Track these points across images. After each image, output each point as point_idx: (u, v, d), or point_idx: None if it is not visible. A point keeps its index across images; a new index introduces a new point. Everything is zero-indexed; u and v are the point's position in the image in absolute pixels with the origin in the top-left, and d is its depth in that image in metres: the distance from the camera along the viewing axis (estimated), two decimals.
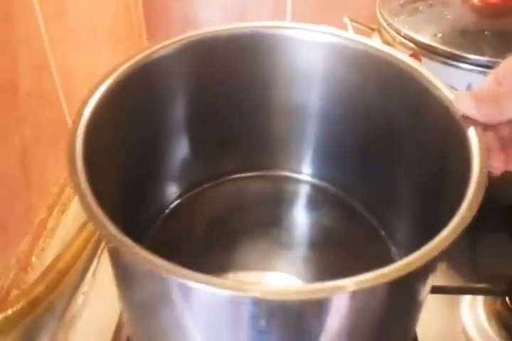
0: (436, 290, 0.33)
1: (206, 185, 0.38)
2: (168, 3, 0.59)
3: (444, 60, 0.37)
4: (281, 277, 0.33)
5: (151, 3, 0.59)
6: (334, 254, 0.34)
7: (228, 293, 0.19)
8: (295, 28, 0.33)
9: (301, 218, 0.37)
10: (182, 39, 0.32)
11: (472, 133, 0.25)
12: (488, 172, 0.24)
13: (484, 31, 0.38)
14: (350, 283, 0.19)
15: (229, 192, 0.38)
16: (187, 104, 0.34)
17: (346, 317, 0.22)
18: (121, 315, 0.35)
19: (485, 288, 0.35)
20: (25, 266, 0.36)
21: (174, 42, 0.31)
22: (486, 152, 0.25)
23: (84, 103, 0.27)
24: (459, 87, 0.37)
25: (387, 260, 0.33)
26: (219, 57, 0.33)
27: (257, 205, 0.37)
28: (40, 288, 0.33)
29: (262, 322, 0.21)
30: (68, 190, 0.42)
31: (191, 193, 0.38)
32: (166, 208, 0.37)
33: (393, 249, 0.34)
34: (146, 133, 0.33)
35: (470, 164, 0.24)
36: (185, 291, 0.21)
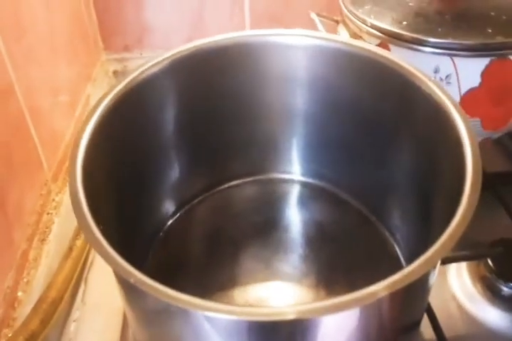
0: None
1: (199, 199, 0.39)
2: (122, 11, 0.56)
3: (411, 45, 0.38)
4: (285, 286, 0.34)
5: (105, 13, 0.56)
6: (333, 249, 0.36)
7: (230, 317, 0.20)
8: (274, 35, 0.33)
9: (297, 218, 0.39)
10: (161, 60, 0.31)
11: (460, 124, 0.27)
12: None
13: (445, 15, 0.39)
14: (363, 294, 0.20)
15: (223, 202, 0.39)
16: (176, 122, 0.34)
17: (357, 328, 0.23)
18: (123, 332, 0.34)
19: (467, 254, 0.39)
20: (12, 303, 0.34)
21: (155, 63, 0.31)
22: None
23: (80, 133, 0.27)
24: (427, 70, 0.39)
25: (383, 248, 0.36)
26: (202, 72, 0.33)
27: (252, 211, 0.38)
28: (35, 323, 0.32)
29: None
30: (45, 218, 0.40)
31: (185, 209, 0.38)
32: (162, 228, 0.37)
33: (389, 237, 0.36)
34: (136, 158, 0.33)
35: (462, 152, 0.26)
36: (195, 320, 0.22)
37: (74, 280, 0.37)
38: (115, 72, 0.60)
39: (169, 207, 0.38)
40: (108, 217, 0.27)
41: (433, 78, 0.37)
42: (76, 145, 0.26)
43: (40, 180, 0.41)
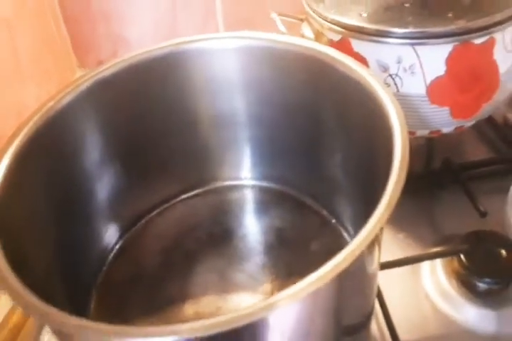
0: (392, 264, 0.35)
1: (150, 216, 0.38)
2: (93, 26, 0.55)
3: (373, 38, 0.37)
4: (242, 296, 0.33)
5: (76, 29, 0.55)
6: (292, 253, 0.35)
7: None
8: (205, 39, 0.32)
9: (254, 225, 0.38)
10: (90, 77, 0.30)
11: (393, 115, 0.26)
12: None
13: (404, 4, 0.37)
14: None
15: (175, 216, 0.38)
16: (104, 145, 0.33)
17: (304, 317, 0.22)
18: None
19: (440, 251, 0.38)
20: None
21: (73, 88, 0.30)
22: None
23: None
24: (390, 61, 0.37)
25: (342, 245, 0.35)
26: (133, 86, 0.32)
27: (207, 222, 0.37)
28: None
29: None
30: None
31: (136, 227, 0.37)
32: (112, 250, 0.36)
33: (345, 235, 0.35)
34: (70, 180, 0.31)
35: (393, 142, 0.25)
36: None
37: None
38: None
39: (117, 227, 0.36)
40: (37, 249, 0.26)
41: (390, 68, 0.36)
42: None
43: None
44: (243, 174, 0.39)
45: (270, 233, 0.37)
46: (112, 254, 0.36)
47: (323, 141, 0.33)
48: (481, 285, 0.35)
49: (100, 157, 0.33)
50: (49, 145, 0.29)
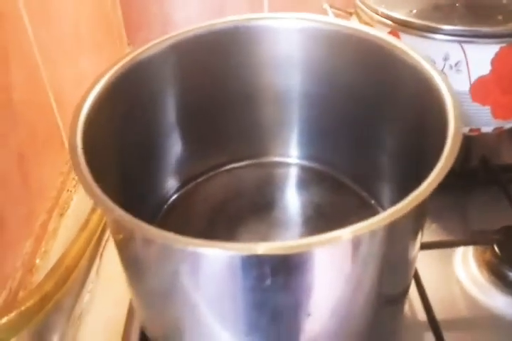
0: (428, 246, 0.37)
1: (201, 179, 0.40)
2: (147, 5, 0.58)
3: (421, 33, 0.39)
4: None
5: (130, 7, 0.58)
6: (328, 228, 0.36)
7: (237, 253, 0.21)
8: (271, 18, 0.34)
9: (293, 198, 0.40)
10: (164, 40, 0.33)
11: (449, 101, 0.27)
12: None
13: (455, 4, 0.40)
14: (347, 232, 0.22)
15: (223, 183, 0.40)
16: (176, 103, 0.36)
17: (344, 268, 0.24)
18: (130, 309, 0.36)
19: (474, 239, 0.40)
20: (30, 268, 0.37)
21: (156, 43, 0.33)
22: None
23: (78, 108, 0.28)
24: (437, 57, 0.39)
25: None
26: (201, 55, 0.34)
27: (251, 192, 0.39)
28: (49, 284, 0.34)
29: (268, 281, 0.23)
30: (65, 194, 0.43)
31: (188, 187, 0.40)
32: (165, 203, 0.39)
33: None
34: (139, 133, 0.34)
35: (446, 128, 0.26)
36: (196, 259, 0.23)
37: (89, 253, 0.39)
38: None
39: (172, 183, 0.39)
40: (110, 188, 0.28)
41: (436, 64, 0.38)
42: (79, 109, 0.28)
43: (62, 158, 0.43)
44: (289, 152, 0.41)
45: (309, 207, 0.39)
46: (159, 213, 0.38)
47: (372, 124, 0.35)
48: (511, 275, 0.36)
49: (169, 115, 0.36)
50: (127, 93, 0.31)
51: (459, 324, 0.35)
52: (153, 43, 0.32)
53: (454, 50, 0.39)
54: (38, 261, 0.37)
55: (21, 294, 0.34)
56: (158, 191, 0.38)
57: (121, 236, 0.27)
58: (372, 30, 0.32)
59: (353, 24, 0.33)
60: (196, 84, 0.35)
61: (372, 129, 0.35)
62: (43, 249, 0.38)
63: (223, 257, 0.22)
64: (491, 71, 0.39)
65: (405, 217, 0.22)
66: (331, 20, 0.33)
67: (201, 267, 0.24)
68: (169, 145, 0.37)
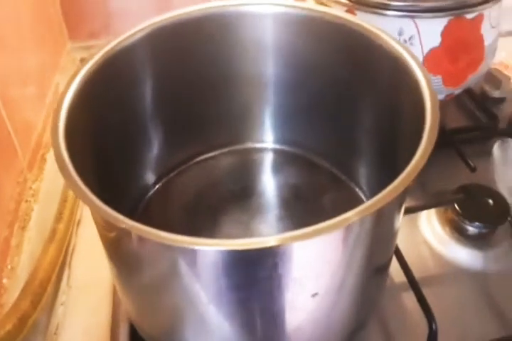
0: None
1: (179, 170, 0.41)
2: None
3: (376, 10, 0.41)
4: None
5: (69, 0, 0.55)
6: (307, 208, 0.38)
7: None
8: (243, 5, 0.35)
9: (271, 183, 0.41)
10: (141, 29, 0.33)
11: (422, 81, 0.29)
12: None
13: None
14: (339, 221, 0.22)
15: (200, 173, 0.41)
16: (153, 91, 0.36)
17: (336, 254, 0.25)
18: (114, 313, 0.35)
19: (435, 201, 0.43)
20: None
21: (134, 33, 0.33)
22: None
23: (62, 95, 0.28)
24: (392, 32, 0.41)
25: (354, 201, 0.39)
26: (177, 42, 0.34)
27: (229, 180, 0.40)
28: (26, 303, 0.32)
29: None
30: (23, 205, 0.41)
31: (166, 179, 0.40)
32: (144, 197, 0.39)
33: (360, 193, 0.39)
34: (117, 123, 0.34)
35: (422, 104, 0.27)
36: (192, 256, 0.23)
37: (59, 264, 0.37)
38: (82, 60, 0.60)
39: (150, 177, 0.39)
40: (90, 183, 0.28)
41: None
42: (58, 108, 0.27)
43: (16, 168, 0.41)
44: (264, 137, 0.42)
45: (286, 189, 0.40)
46: (138, 207, 0.38)
47: (346, 104, 0.37)
48: (472, 230, 0.40)
49: (146, 103, 0.36)
50: (110, 78, 0.31)
51: (432, 280, 0.38)
52: (131, 32, 0.32)
53: (407, 25, 0.41)
54: (5, 280, 0.35)
55: None
56: (136, 184, 0.38)
57: (112, 234, 0.26)
58: (343, 13, 0.33)
59: (325, 8, 0.34)
60: (172, 72, 0.35)
61: (346, 109, 0.37)
62: (8, 267, 0.36)
63: (224, 254, 0.23)
64: (441, 43, 0.42)
65: (395, 198, 0.23)
66: (303, 4, 0.34)
67: (197, 263, 0.24)
68: (147, 137, 0.37)
